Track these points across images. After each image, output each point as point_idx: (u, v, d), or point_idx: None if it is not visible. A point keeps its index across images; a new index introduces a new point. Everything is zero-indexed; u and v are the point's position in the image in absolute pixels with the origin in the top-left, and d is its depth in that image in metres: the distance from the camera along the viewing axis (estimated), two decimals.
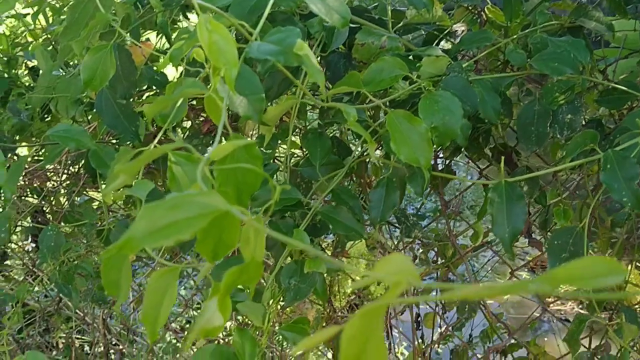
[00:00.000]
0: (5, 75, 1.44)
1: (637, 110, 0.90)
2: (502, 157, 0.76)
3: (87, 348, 2.20)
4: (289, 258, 0.85)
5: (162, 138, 0.72)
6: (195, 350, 1.83)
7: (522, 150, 1.11)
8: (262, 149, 0.86)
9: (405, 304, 1.48)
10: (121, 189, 0.56)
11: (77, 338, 2.11)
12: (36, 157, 1.46)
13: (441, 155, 1.21)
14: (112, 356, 1.92)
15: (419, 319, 1.62)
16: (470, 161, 1.26)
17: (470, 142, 1.08)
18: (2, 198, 0.97)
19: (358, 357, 0.28)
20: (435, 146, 0.76)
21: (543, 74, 0.97)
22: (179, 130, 1.35)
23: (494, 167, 1.19)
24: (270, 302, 0.77)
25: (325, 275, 0.88)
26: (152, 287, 0.49)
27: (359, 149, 0.94)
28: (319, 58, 0.94)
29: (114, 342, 2.01)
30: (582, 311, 1.22)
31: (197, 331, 0.36)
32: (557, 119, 0.91)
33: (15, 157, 1.41)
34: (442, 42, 1.08)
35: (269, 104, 0.81)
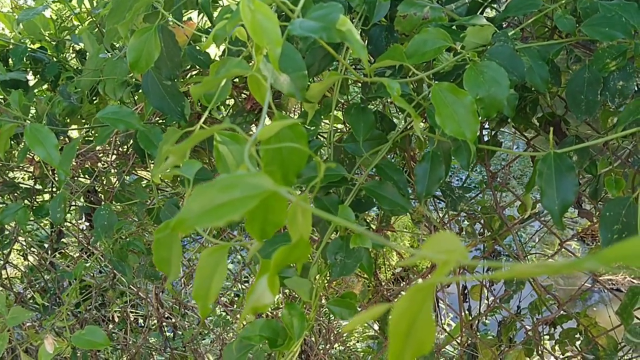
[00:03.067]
0: (55, 59, 1.48)
1: None
2: (551, 127, 0.74)
3: (141, 321, 2.28)
4: (334, 234, 0.86)
5: (207, 117, 0.73)
6: (245, 323, 1.87)
7: (571, 119, 1.08)
8: (305, 126, 0.87)
9: (456, 281, 1.48)
10: (169, 169, 0.57)
11: (132, 312, 2.18)
12: (87, 139, 1.50)
13: (487, 126, 1.18)
14: (166, 329, 1.99)
15: (466, 291, 1.61)
16: (517, 131, 1.23)
17: (517, 112, 1.05)
18: (57, 179, 1.00)
19: (407, 334, 0.28)
20: (481, 118, 0.75)
21: (593, 40, 0.94)
22: (223, 108, 1.37)
23: (542, 137, 1.16)
24: (317, 277, 0.78)
25: (370, 249, 0.88)
26: (202, 264, 0.50)
27: (403, 122, 0.93)
28: (360, 32, 0.93)
29: (166, 316, 2.07)
30: (635, 281, 1.19)
31: (249, 309, 0.37)
32: (608, 86, 0.88)
33: (67, 140, 1.45)
34: (487, 10, 1.06)
35: (311, 80, 0.81)
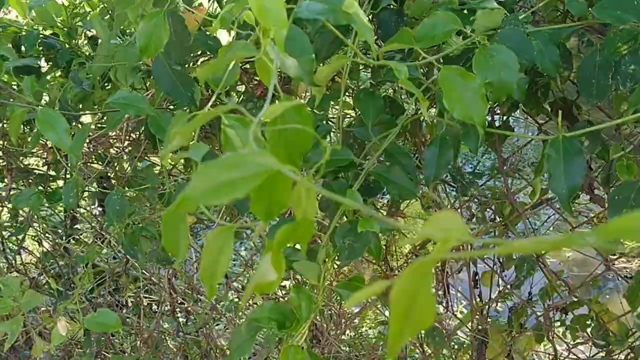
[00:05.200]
0: (67, 45, 1.49)
1: None
2: (560, 111, 0.74)
3: (154, 307, 2.30)
4: (344, 218, 0.86)
5: (217, 102, 0.73)
6: (250, 303, 1.89)
7: (583, 104, 1.08)
8: (314, 110, 0.87)
9: (459, 259, 1.48)
10: (178, 152, 0.57)
11: (145, 297, 2.21)
12: (99, 125, 1.51)
13: (498, 111, 1.18)
14: (179, 314, 2.01)
15: (477, 277, 1.61)
16: (529, 117, 1.22)
17: (529, 96, 1.05)
18: (70, 164, 1.01)
19: (408, 311, 0.28)
20: (490, 102, 0.75)
21: (605, 24, 0.93)
22: (234, 94, 1.37)
23: (554, 123, 1.15)
24: (325, 261, 0.78)
25: (380, 234, 0.88)
26: (209, 245, 0.50)
27: (412, 107, 0.93)
28: (370, 16, 0.93)
29: (179, 301, 2.09)
30: None
31: (252, 286, 0.38)
32: (619, 70, 0.87)
33: (79, 126, 1.46)
34: None
35: (319, 64, 0.81)
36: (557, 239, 0.24)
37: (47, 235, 1.97)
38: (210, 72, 0.54)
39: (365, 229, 0.76)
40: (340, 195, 0.80)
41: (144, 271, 1.84)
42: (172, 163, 1.14)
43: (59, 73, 1.57)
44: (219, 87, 0.64)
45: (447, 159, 0.80)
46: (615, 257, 1.66)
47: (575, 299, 1.42)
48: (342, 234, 0.79)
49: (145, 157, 1.54)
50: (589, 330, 1.41)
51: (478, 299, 1.60)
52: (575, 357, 1.43)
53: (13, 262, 1.98)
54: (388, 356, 0.29)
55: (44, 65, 1.52)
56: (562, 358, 1.47)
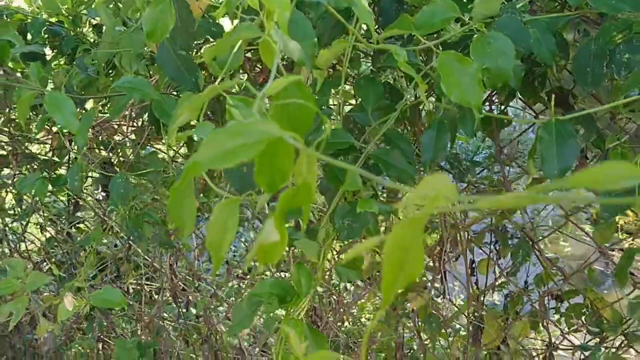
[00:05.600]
0: (72, 33, 1.51)
1: None
2: (553, 96, 0.76)
3: (155, 296, 2.33)
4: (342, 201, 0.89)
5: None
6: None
7: (579, 93, 1.10)
8: (315, 95, 0.89)
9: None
10: (185, 131, 0.60)
11: (146, 284, 2.24)
12: (102, 112, 1.54)
13: (496, 100, 1.20)
14: (180, 301, 2.03)
15: (474, 265, 1.63)
16: (526, 107, 1.24)
17: (526, 85, 1.07)
18: (76, 148, 1.03)
19: (400, 265, 0.31)
20: (487, 89, 0.77)
21: (601, 14, 0.95)
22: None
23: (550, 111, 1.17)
24: (324, 240, 0.80)
25: (378, 217, 0.91)
26: (216, 217, 0.53)
27: (412, 94, 0.95)
28: (371, 4, 0.95)
29: (181, 287, 2.12)
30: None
31: (256, 249, 0.40)
32: (614, 59, 0.89)
33: (83, 112, 1.49)
34: None
35: (321, 49, 0.83)
36: (531, 194, 0.27)
37: (51, 220, 2.00)
38: (216, 53, 0.56)
39: (364, 210, 0.78)
40: (340, 178, 0.82)
41: (145, 257, 1.86)
42: (176, 146, 1.16)
43: (62, 61, 1.59)
44: (224, 70, 0.66)
45: (444, 142, 0.82)
46: (613, 252, 1.69)
47: (571, 287, 1.44)
48: (342, 215, 0.82)
49: (148, 144, 1.56)
50: (583, 318, 1.44)
51: (475, 287, 1.63)
52: (569, 343, 1.46)
53: (17, 247, 2.01)
54: (381, 306, 0.32)
55: (48, 52, 1.54)
56: (556, 344, 1.50)
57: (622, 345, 1.40)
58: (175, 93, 1.24)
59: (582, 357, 1.41)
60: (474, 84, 0.70)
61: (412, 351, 1.81)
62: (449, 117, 0.83)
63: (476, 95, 0.70)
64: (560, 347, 1.50)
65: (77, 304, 0.94)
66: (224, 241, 0.53)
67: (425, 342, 1.63)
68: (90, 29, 1.62)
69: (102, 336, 2.17)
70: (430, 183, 0.32)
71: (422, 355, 1.62)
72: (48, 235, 2.11)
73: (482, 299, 1.58)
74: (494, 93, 1.15)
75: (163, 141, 1.39)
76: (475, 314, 1.51)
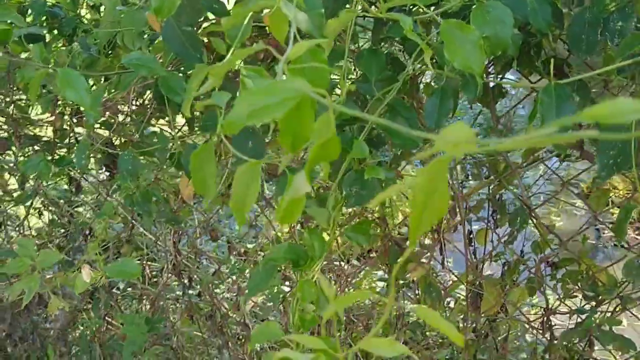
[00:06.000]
0: (71, 14, 1.52)
1: None
2: (552, 59, 0.79)
3: (158, 278, 2.36)
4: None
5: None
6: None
7: (574, 62, 1.13)
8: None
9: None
10: (202, 99, 0.62)
11: (149, 264, 2.27)
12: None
13: (492, 71, 1.23)
14: (184, 277, 2.07)
15: (472, 235, 1.68)
16: (522, 77, 1.27)
17: (522, 55, 1.10)
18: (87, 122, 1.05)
19: (425, 204, 0.34)
20: (486, 56, 0.80)
21: None
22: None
23: (546, 81, 1.20)
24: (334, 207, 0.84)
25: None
26: (239, 178, 0.56)
27: (412, 64, 0.98)
28: None
29: (183, 268, 2.15)
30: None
31: (287, 200, 0.43)
32: (607, 27, 0.92)
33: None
34: None
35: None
36: (535, 135, 0.30)
37: (51, 202, 2.02)
38: (232, 22, 0.59)
39: (371, 176, 0.81)
40: (346, 148, 0.85)
41: (149, 236, 1.89)
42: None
43: (61, 43, 1.60)
44: (236, 41, 0.69)
45: (447, 108, 0.85)
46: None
47: (566, 254, 1.49)
48: (349, 183, 0.85)
49: (151, 124, 1.58)
50: (579, 283, 1.48)
51: (473, 256, 1.67)
52: (566, 307, 1.51)
53: (20, 230, 2.03)
54: (409, 245, 0.35)
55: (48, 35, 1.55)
56: (553, 309, 1.54)
57: (617, 308, 1.45)
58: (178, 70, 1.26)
59: (579, 320, 1.45)
60: (475, 51, 0.73)
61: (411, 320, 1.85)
62: (450, 84, 0.86)
63: (478, 61, 0.73)
64: (557, 312, 1.55)
65: (94, 275, 0.97)
66: (247, 202, 0.56)
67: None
68: (88, 10, 1.63)
69: (106, 316, 2.20)
70: (452, 131, 0.35)
71: (423, 322, 1.66)
72: (49, 218, 2.13)
73: (480, 267, 1.63)
74: (490, 64, 1.18)
75: (167, 119, 1.41)
76: (475, 282, 1.56)
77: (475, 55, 0.72)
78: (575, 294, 1.51)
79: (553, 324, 1.57)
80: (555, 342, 1.55)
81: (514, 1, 0.85)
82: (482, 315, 1.56)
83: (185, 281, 1.95)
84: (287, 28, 0.69)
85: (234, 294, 2.02)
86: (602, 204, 1.45)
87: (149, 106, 1.46)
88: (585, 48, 0.93)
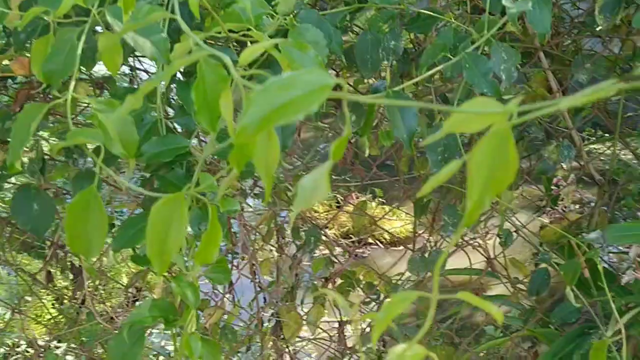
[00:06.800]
0: None
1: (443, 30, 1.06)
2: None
3: None
4: None
5: None
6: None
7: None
8: None
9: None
10: None
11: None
12: None
13: None
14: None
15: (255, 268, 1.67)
16: None
17: None
18: None
19: (488, 176, 0.33)
20: None
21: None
22: None
23: None
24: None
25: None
26: (154, 220, 0.47)
27: None
28: None
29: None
30: None
31: (301, 205, 0.36)
32: (384, 46, 1.03)
33: None
34: None
35: None
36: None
37: None
38: None
39: None
40: None
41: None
42: None
43: None
44: None
45: None
46: None
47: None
48: None
49: None
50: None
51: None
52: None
53: None
54: (465, 224, 0.34)
55: None
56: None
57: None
58: None
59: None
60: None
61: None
62: None
63: None
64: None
65: None
66: (168, 247, 0.47)
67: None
68: None
69: None
70: (478, 102, 0.35)
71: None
72: None
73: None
74: None
75: None
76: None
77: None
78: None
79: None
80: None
81: (317, 24, 0.89)
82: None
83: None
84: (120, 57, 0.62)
85: None
86: None
87: None
88: (371, 66, 1.02)
